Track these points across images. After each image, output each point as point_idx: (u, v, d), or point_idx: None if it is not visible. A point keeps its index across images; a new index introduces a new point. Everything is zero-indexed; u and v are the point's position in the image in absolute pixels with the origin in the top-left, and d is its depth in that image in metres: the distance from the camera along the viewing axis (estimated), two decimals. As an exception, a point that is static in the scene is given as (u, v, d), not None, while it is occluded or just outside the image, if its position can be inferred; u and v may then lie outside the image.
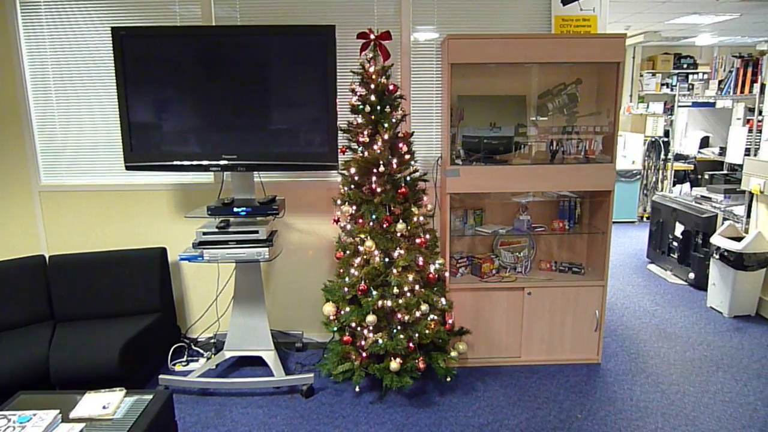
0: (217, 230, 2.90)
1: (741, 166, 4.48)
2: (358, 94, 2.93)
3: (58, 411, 2.03)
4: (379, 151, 2.86)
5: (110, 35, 2.85)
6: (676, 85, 8.12)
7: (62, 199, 3.53)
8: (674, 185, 6.27)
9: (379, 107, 2.88)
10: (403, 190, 2.89)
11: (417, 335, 2.86)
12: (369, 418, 2.78)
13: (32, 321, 3.20)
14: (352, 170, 2.95)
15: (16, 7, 3.28)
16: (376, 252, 2.88)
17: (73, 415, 2.08)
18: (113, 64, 2.89)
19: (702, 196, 4.89)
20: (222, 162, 2.94)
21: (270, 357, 3.16)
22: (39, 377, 2.76)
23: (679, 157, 6.58)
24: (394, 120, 2.92)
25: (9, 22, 3.29)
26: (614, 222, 3.45)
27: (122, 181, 3.51)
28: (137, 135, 2.95)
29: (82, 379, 2.76)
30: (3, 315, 3.12)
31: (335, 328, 3.00)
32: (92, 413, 2.09)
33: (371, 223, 2.91)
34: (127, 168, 2.99)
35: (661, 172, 6.98)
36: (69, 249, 3.55)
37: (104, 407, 2.12)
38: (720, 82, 5.05)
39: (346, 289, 2.94)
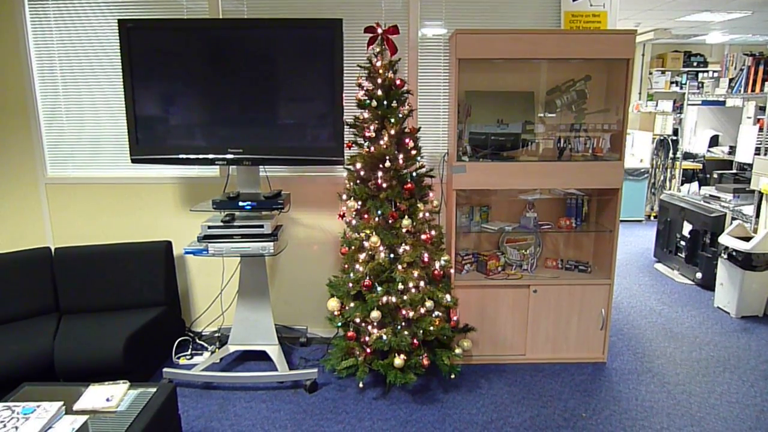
0: (222, 224, 2.90)
1: (751, 165, 4.44)
2: (365, 88, 2.91)
3: (62, 403, 2.03)
4: (385, 146, 2.84)
5: (117, 28, 2.84)
6: (685, 83, 8.05)
7: (68, 192, 3.54)
8: (682, 184, 6.22)
9: (385, 102, 2.87)
10: (409, 185, 2.87)
11: (421, 332, 2.85)
12: (372, 414, 2.77)
13: (37, 313, 3.21)
14: (358, 165, 2.93)
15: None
16: (381, 248, 2.87)
17: (76, 407, 2.09)
18: (120, 57, 2.88)
19: (710, 196, 4.84)
20: (228, 156, 2.93)
21: (274, 352, 3.16)
22: (44, 369, 2.77)
23: (687, 156, 6.53)
24: (400, 115, 2.90)
25: (16, 14, 3.29)
26: (621, 220, 3.43)
27: (128, 174, 3.51)
28: (143, 128, 2.95)
29: (86, 371, 2.76)
30: (9, 306, 3.13)
31: (339, 324, 3.00)
32: (96, 405, 2.09)
33: (377, 219, 2.90)
34: (133, 161, 2.99)
35: (669, 170, 6.93)
36: (75, 241, 3.56)
37: (108, 399, 2.12)
38: (731, 80, 5.00)
39: (350, 284, 2.93)
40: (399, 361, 2.79)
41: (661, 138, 6.98)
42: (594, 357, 3.31)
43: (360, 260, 2.92)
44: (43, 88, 3.41)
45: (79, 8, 3.30)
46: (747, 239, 3.93)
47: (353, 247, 3.01)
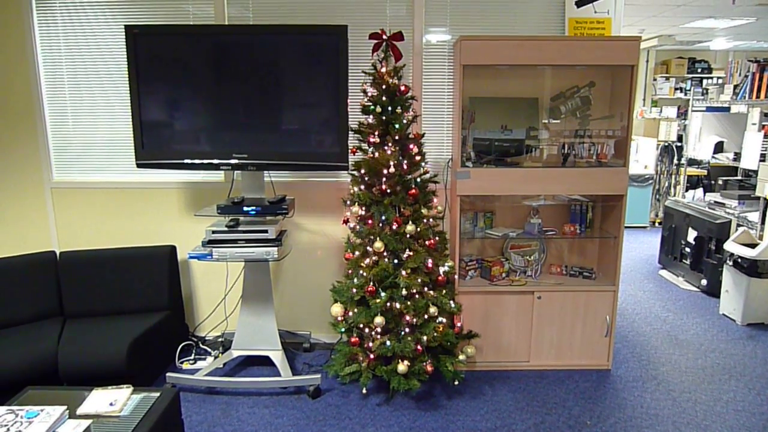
0: (226, 229, 2.90)
1: (756, 171, 4.42)
2: (370, 94, 2.92)
3: (65, 407, 2.03)
4: (389, 152, 2.84)
5: (124, 33, 2.86)
6: (690, 90, 8.04)
7: (74, 196, 3.55)
8: (687, 190, 6.20)
9: (390, 108, 2.87)
10: (414, 191, 2.87)
11: (425, 338, 2.84)
12: (375, 421, 2.76)
13: (42, 317, 3.22)
14: (363, 171, 2.94)
15: (32, 5, 3.30)
16: (385, 253, 2.87)
17: (80, 411, 2.08)
18: (126, 62, 2.90)
19: (715, 202, 4.83)
20: (232, 161, 2.94)
21: (277, 357, 3.15)
22: (48, 373, 2.77)
23: (692, 162, 6.51)
24: (405, 121, 2.90)
25: (24, 20, 3.31)
26: (626, 227, 3.42)
27: (133, 179, 3.53)
28: (149, 133, 2.96)
29: (90, 375, 2.77)
30: (13, 310, 3.14)
31: (343, 329, 2.99)
32: (99, 410, 2.09)
33: (381, 225, 2.90)
34: (138, 166, 3.00)
35: (673, 177, 6.91)
36: (79, 245, 3.57)
37: (111, 404, 2.12)
38: (735, 86, 5.00)
39: (354, 290, 2.93)
40: (402, 367, 2.78)
41: (666, 144, 6.97)
42: (598, 364, 3.30)
43: (364, 266, 2.91)
44: (49, 92, 3.43)
45: (87, 14, 3.32)
46: (752, 246, 3.91)
47: (357, 253, 3.01)
